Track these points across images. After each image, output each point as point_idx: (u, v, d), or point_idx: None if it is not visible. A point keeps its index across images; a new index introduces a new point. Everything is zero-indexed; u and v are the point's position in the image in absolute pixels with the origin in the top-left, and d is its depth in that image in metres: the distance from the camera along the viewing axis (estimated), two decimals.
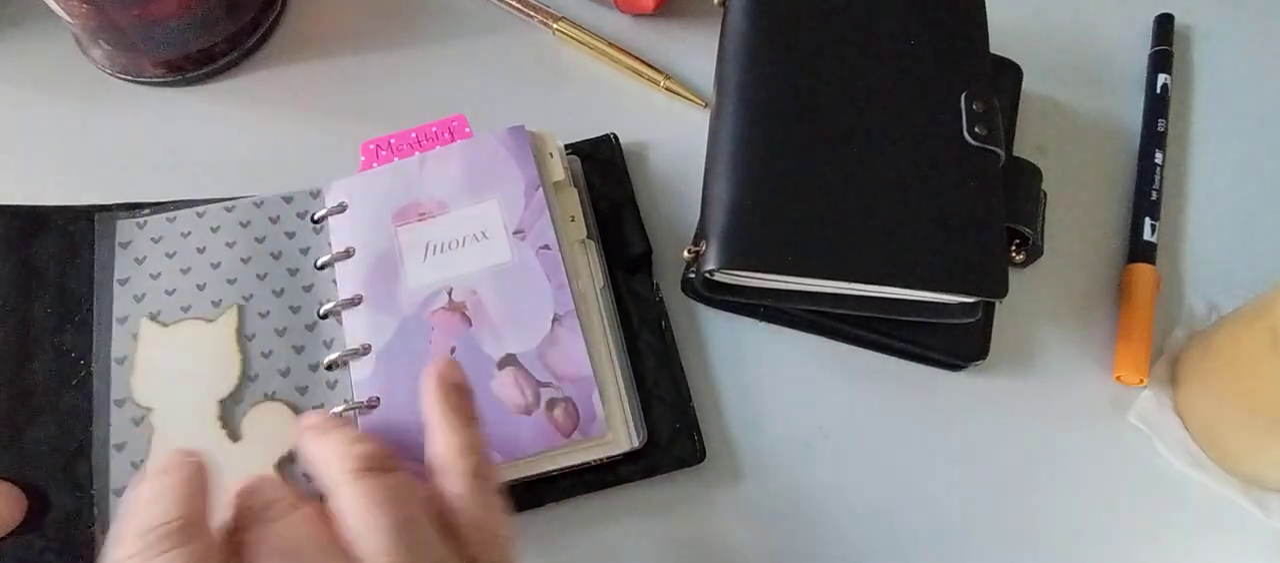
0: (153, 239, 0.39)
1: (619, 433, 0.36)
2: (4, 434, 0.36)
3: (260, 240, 0.39)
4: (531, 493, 0.36)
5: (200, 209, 0.40)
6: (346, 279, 0.38)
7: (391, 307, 0.37)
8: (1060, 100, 0.47)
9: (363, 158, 0.40)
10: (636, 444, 0.36)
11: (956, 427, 0.39)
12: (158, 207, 0.40)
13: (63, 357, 0.37)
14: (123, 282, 0.38)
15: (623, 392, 0.37)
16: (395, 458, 0.28)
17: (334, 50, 0.48)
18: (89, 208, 0.40)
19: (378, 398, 0.36)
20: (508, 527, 0.28)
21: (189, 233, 0.39)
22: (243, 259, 0.39)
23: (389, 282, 0.37)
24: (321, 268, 0.39)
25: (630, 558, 0.37)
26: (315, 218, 0.39)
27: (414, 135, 0.40)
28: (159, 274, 0.38)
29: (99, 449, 0.35)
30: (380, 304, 0.37)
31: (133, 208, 0.40)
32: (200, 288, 0.38)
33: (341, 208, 0.39)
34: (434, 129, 0.40)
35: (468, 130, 0.40)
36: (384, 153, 0.40)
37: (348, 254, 0.38)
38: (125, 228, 0.39)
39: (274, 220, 0.39)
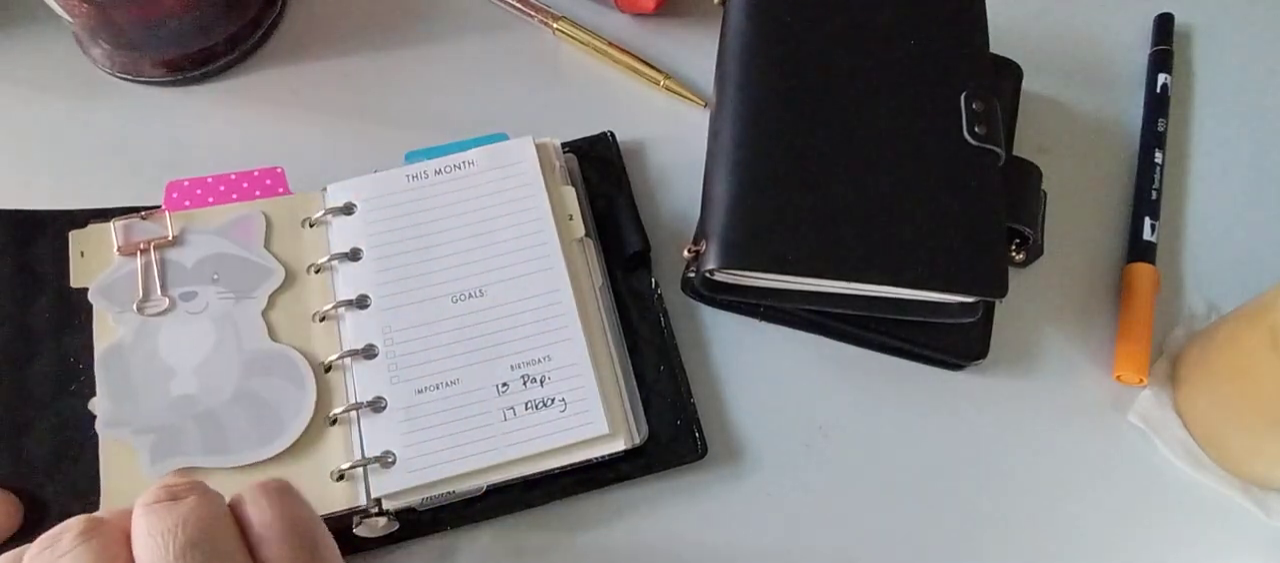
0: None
1: (619, 431, 0.36)
2: (1, 440, 0.35)
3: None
4: (533, 492, 0.36)
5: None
6: (351, 280, 0.38)
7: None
8: (1060, 100, 0.47)
9: (173, 195, 0.40)
10: (637, 442, 0.36)
11: (956, 426, 0.39)
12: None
13: (62, 361, 0.37)
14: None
15: (623, 389, 0.37)
16: (192, 484, 0.26)
17: (334, 50, 0.48)
18: (87, 212, 0.40)
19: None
20: (317, 533, 0.27)
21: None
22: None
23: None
24: (318, 271, 0.38)
25: (632, 556, 0.37)
26: (312, 222, 0.39)
27: (222, 188, 0.40)
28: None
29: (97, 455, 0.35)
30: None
31: (130, 211, 0.40)
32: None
33: (349, 209, 0.39)
34: (245, 184, 0.40)
35: (282, 189, 0.40)
36: (188, 202, 0.39)
37: (354, 256, 0.38)
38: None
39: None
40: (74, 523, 0.25)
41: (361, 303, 0.37)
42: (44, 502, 0.34)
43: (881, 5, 0.40)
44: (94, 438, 0.35)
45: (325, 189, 0.40)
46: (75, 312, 0.38)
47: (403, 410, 0.35)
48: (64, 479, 0.35)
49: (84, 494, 0.34)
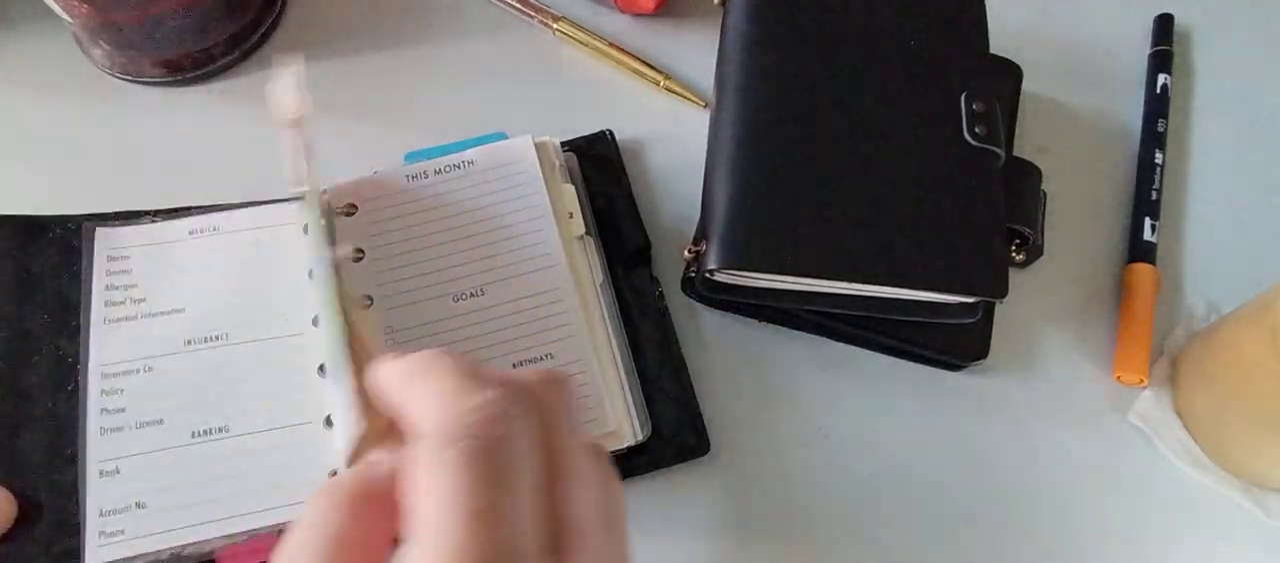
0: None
1: (622, 427, 0.36)
2: None
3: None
4: None
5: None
6: (354, 281, 0.38)
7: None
8: (1060, 100, 0.47)
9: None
10: (640, 438, 0.36)
11: (956, 427, 0.39)
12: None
13: (60, 363, 0.37)
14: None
15: (625, 386, 0.37)
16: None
17: (334, 50, 0.48)
18: (86, 216, 0.39)
19: None
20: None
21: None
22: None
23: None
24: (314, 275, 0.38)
25: (636, 552, 0.36)
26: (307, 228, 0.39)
27: None
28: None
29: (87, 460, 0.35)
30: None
31: (128, 216, 0.40)
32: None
33: (350, 210, 0.39)
34: None
35: None
36: None
37: (356, 257, 0.38)
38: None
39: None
40: (511, 399, 0.22)
41: (363, 304, 0.37)
42: (38, 502, 0.34)
43: (882, 6, 0.40)
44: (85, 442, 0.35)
45: (324, 191, 0.40)
46: (72, 314, 0.37)
47: None
48: (59, 479, 0.35)
49: (76, 495, 0.34)
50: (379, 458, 0.24)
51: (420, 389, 0.23)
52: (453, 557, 0.20)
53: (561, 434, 0.24)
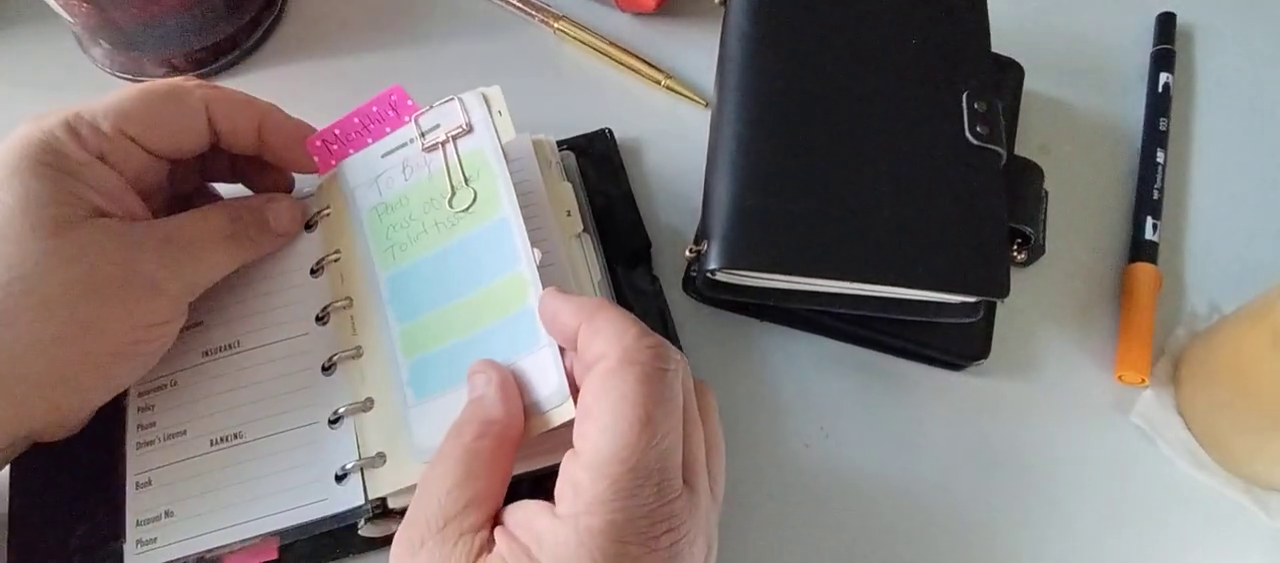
0: None
1: None
2: None
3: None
4: (539, 490, 0.36)
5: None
6: (337, 281, 0.38)
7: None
8: (1062, 99, 0.47)
9: (316, 158, 0.40)
10: None
11: (957, 426, 0.39)
12: None
13: None
14: None
15: None
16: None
17: (334, 50, 0.48)
18: None
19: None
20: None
21: None
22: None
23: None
24: (315, 272, 0.38)
25: None
26: (309, 224, 0.39)
27: (357, 120, 0.39)
28: None
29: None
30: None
31: None
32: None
33: (326, 211, 0.39)
34: (375, 109, 0.39)
35: (408, 102, 0.39)
36: (335, 146, 0.39)
37: (336, 256, 0.38)
38: None
39: None
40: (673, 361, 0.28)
41: (345, 304, 0.37)
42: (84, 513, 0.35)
43: (883, 5, 0.40)
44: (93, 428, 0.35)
45: (320, 190, 0.40)
46: None
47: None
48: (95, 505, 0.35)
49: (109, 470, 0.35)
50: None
51: (602, 320, 0.28)
52: (621, 449, 0.25)
53: (690, 386, 0.29)
